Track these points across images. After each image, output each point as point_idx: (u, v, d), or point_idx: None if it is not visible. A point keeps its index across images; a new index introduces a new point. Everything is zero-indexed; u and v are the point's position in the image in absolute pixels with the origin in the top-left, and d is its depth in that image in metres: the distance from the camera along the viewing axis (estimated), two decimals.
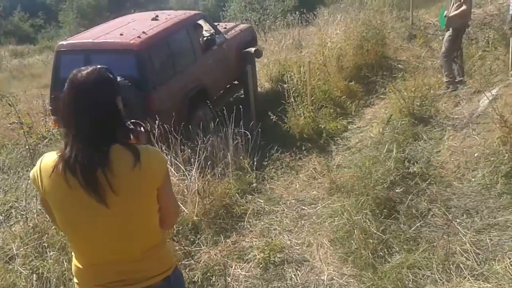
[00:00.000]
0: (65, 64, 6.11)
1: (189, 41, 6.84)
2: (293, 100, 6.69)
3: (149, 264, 1.88)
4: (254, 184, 5.28)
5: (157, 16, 7.10)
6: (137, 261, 1.85)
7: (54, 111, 6.32)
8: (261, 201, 5.00)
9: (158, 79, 6.04)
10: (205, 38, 7.22)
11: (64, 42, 6.55)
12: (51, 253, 3.55)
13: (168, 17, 7.06)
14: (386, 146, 5.18)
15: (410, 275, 3.39)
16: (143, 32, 6.20)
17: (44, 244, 4.07)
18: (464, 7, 6.90)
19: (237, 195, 5.04)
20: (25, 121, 5.12)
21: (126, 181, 1.72)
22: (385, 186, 4.52)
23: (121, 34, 6.29)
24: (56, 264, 3.53)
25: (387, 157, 4.94)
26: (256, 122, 6.51)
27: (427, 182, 4.74)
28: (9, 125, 6.77)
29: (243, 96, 8.24)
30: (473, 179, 4.71)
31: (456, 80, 7.21)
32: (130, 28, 6.61)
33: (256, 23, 17.13)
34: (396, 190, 4.53)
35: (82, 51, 6.18)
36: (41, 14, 36.73)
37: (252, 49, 8.22)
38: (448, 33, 7.18)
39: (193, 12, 7.79)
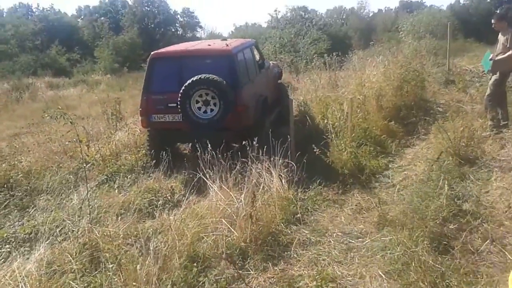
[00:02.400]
0: (159, 69, 7.11)
1: (253, 58, 8.10)
2: (335, 135, 6.71)
3: None
4: (299, 215, 5.24)
5: (225, 38, 8.58)
6: None
7: (144, 111, 7.14)
8: (307, 231, 4.95)
9: (242, 81, 7.11)
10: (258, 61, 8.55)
11: (157, 51, 7.51)
12: (110, 266, 3.53)
13: (234, 40, 8.45)
14: (435, 184, 5.12)
15: None
16: (226, 45, 7.26)
17: (94, 259, 4.11)
18: (510, 52, 6.92)
19: (281, 224, 5.00)
20: (82, 140, 5.26)
21: None
22: (437, 222, 4.44)
23: (209, 45, 7.53)
24: (113, 278, 3.51)
25: (437, 194, 4.87)
26: (298, 155, 6.52)
27: (479, 220, 4.65)
28: (68, 143, 6.97)
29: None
30: None
31: (501, 124, 7.17)
32: (211, 43, 7.84)
33: (289, 64, 17.52)
34: (450, 227, 4.44)
35: (176, 58, 7.34)
36: (77, 49, 38.19)
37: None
38: (494, 77, 7.21)
39: (250, 39, 9.43)
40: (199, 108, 6.74)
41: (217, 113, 6.63)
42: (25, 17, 50.10)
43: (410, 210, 4.70)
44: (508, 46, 6.95)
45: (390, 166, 6.88)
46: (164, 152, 6.61)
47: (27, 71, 31.14)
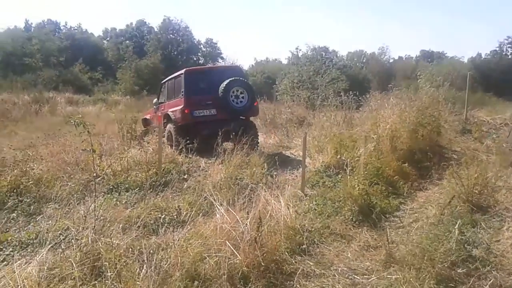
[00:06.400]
0: (195, 79, 10.38)
1: None
2: (348, 171, 6.67)
3: None
4: (304, 246, 5.16)
5: None
6: None
7: (189, 109, 10.01)
8: (311, 263, 4.85)
9: None
10: None
11: (190, 68, 11.48)
12: (109, 274, 3.48)
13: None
14: (446, 227, 5.03)
15: None
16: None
17: (95, 269, 4.06)
18: None
19: (286, 253, 4.92)
20: (95, 150, 5.27)
21: None
22: (446, 265, 4.34)
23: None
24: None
25: (447, 237, 4.77)
26: (309, 187, 6.49)
27: (489, 267, 4.53)
28: (81, 151, 7.02)
29: None
30: None
31: None
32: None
33: (306, 100, 17.62)
34: (458, 271, 4.33)
35: (206, 70, 12.42)
36: (100, 69, 38.93)
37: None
38: None
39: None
40: (233, 101, 10.08)
41: (247, 102, 10.27)
42: (52, 33, 51.41)
43: (419, 250, 4.60)
44: None
45: (401, 207, 6.80)
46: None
47: (49, 86, 31.78)
